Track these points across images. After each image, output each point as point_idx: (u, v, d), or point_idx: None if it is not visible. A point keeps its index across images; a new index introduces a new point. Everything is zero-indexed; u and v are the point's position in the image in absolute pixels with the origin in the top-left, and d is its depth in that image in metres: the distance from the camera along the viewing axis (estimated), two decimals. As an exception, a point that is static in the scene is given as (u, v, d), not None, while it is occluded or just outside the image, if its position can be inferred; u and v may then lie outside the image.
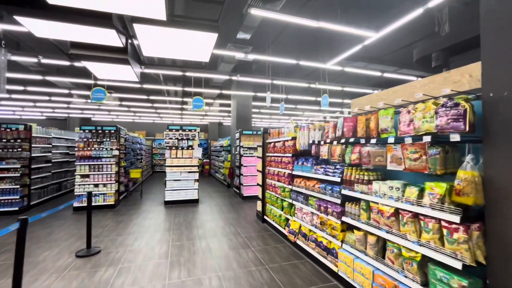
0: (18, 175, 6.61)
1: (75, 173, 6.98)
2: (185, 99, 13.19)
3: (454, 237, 1.90)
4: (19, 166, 6.63)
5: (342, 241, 3.21)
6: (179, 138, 8.03)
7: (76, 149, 7.18)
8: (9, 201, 6.46)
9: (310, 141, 4.02)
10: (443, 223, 1.99)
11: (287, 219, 4.83)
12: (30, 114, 18.11)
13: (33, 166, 7.03)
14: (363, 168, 2.97)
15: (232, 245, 4.53)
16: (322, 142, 3.71)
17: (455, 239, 1.89)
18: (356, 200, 3.06)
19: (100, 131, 7.47)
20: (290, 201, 4.59)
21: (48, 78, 8.91)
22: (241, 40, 6.87)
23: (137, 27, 3.29)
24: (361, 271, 2.78)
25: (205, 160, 18.19)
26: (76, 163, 7.03)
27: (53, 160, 8.37)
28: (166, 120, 21.02)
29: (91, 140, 7.30)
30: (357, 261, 2.87)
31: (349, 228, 3.19)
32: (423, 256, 2.18)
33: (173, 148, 7.91)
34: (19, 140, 6.76)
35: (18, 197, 6.51)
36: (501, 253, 1.71)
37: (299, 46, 8.59)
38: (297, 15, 4.64)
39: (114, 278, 3.35)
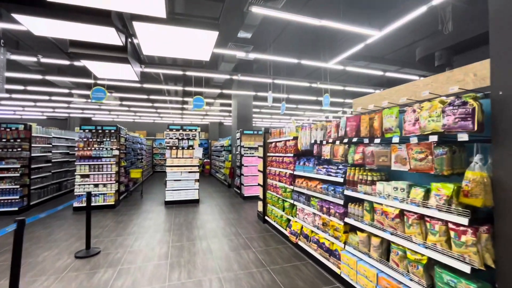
0: (18, 175, 6.58)
1: (75, 173, 6.94)
2: (185, 99, 13.14)
3: (462, 239, 1.84)
4: (19, 166, 6.59)
5: (345, 243, 3.16)
6: (180, 138, 7.98)
7: (76, 149, 7.14)
8: (9, 201, 6.43)
9: (312, 141, 3.97)
10: (450, 225, 1.94)
11: (289, 220, 4.78)
12: (30, 114, 18.10)
13: (33, 166, 7.00)
14: (366, 168, 2.91)
15: (233, 246, 4.48)
16: (324, 142, 3.65)
17: (463, 242, 1.84)
18: (359, 201, 3.01)
19: (100, 131, 7.43)
20: (292, 201, 4.54)
21: (48, 77, 8.87)
22: (242, 39, 6.81)
23: (136, 25, 3.25)
24: (364, 274, 2.73)
25: (205, 160, 18.15)
26: (76, 163, 6.99)
27: (53, 160, 8.33)
28: (166, 120, 20.98)
29: (91, 140, 7.26)
30: (360, 263, 2.82)
31: (352, 229, 3.14)
32: (429, 258, 2.13)
33: (174, 148, 7.87)
34: (19, 140, 6.72)
35: (17, 197, 6.47)
36: (510, 256, 1.65)
37: (301, 45, 8.53)
38: (298, 13, 4.59)
39: (113, 280, 3.31)
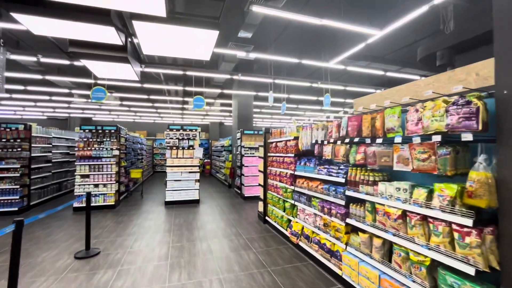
0: (18, 175, 6.56)
1: (75, 173, 6.92)
2: (186, 99, 13.12)
3: (466, 241, 1.81)
4: (18, 166, 6.57)
5: (346, 244, 3.13)
6: (180, 138, 7.96)
7: (76, 149, 7.12)
8: (9, 201, 6.41)
9: (313, 141, 3.94)
10: (454, 227, 1.91)
11: (289, 220, 4.75)
12: (31, 114, 18.10)
13: (33, 166, 6.98)
14: (368, 168, 2.88)
15: (233, 246, 4.45)
16: (325, 142, 3.63)
17: (467, 243, 1.81)
18: (361, 202, 2.98)
19: (100, 131, 7.42)
20: (292, 202, 4.51)
21: (48, 77, 8.86)
22: (242, 38, 6.79)
23: (136, 24, 3.22)
24: (366, 275, 2.70)
25: (206, 160, 18.13)
26: (76, 163, 6.97)
27: (53, 160, 8.32)
28: (167, 120, 20.97)
29: (91, 140, 7.24)
30: (362, 264, 2.79)
31: (354, 230, 3.11)
32: (432, 260, 2.10)
33: (174, 148, 7.84)
34: (18, 140, 6.71)
35: (17, 197, 6.46)
36: (516, 259, 1.62)
37: (301, 45, 8.51)
38: (299, 12, 4.56)
39: (113, 281, 3.29)
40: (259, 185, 6.40)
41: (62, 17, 3.07)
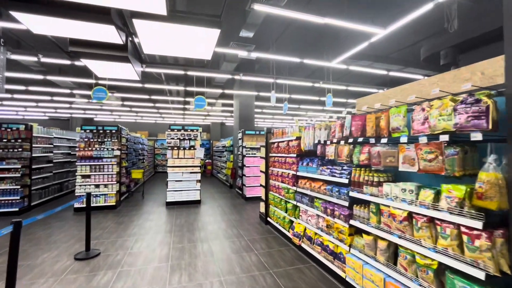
0: (19, 175, 6.54)
1: (76, 174, 6.90)
2: (187, 99, 13.10)
3: (476, 244, 1.75)
4: (19, 166, 6.55)
5: (350, 246, 3.07)
6: (181, 138, 7.92)
7: (77, 149, 7.10)
8: (9, 201, 6.39)
9: (316, 141, 3.89)
10: (463, 229, 1.85)
11: (291, 222, 4.70)
12: (32, 114, 18.15)
13: (34, 166, 6.96)
14: (372, 169, 2.82)
15: (234, 248, 4.40)
16: (328, 142, 3.57)
17: (476, 247, 1.75)
18: (365, 203, 2.92)
19: (101, 131, 7.39)
20: (295, 202, 4.45)
21: (50, 77, 8.85)
22: (244, 38, 6.75)
23: (136, 22, 3.18)
24: (371, 278, 2.64)
25: (207, 161, 18.09)
26: (77, 163, 6.94)
27: (54, 160, 8.30)
28: (168, 121, 20.98)
29: (92, 140, 7.22)
30: (366, 267, 2.73)
31: (358, 232, 3.05)
32: (440, 263, 2.04)
33: (175, 148, 7.81)
34: (19, 140, 6.69)
35: (18, 197, 6.44)
36: (529, 263, 1.56)
37: (303, 44, 8.46)
38: (301, 11, 4.51)
39: (112, 282, 3.24)
40: (261, 185, 6.34)
41: (61, 16, 3.03)
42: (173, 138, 7.84)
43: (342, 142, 3.26)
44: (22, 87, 10.00)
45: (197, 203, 7.88)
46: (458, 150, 1.93)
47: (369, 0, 6.00)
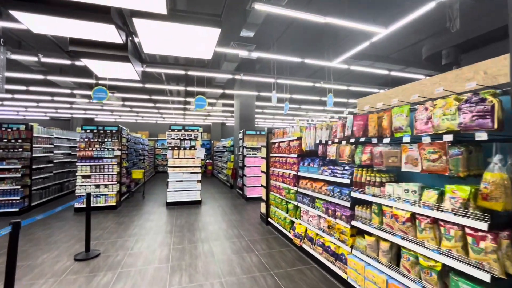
0: (19, 175, 6.53)
1: (76, 174, 6.88)
2: (187, 99, 13.09)
3: (481, 246, 1.72)
4: (19, 166, 6.54)
5: (352, 247, 3.04)
6: (182, 138, 7.90)
7: (77, 149, 7.08)
8: (10, 202, 6.38)
9: (317, 141, 3.86)
10: (468, 230, 1.82)
11: (292, 222, 4.67)
12: (33, 114, 18.17)
13: (34, 167, 6.95)
14: (374, 169, 2.79)
15: (235, 248, 4.37)
16: (329, 142, 3.54)
17: (481, 248, 1.72)
18: (367, 203, 2.89)
19: (101, 131, 7.38)
20: (296, 203, 4.42)
21: (50, 77, 8.85)
22: (245, 38, 6.73)
23: (136, 21, 3.16)
24: (373, 280, 2.61)
25: (208, 161, 18.07)
26: (77, 164, 6.93)
27: (55, 161, 8.29)
28: (169, 121, 20.97)
29: (92, 140, 7.20)
30: (368, 268, 2.70)
31: (359, 233, 3.02)
32: (444, 265, 2.01)
33: (175, 148, 7.79)
34: (20, 140, 6.68)
35: (18, 198, 6.42)
36: (536, 265, 1.53)
37: (304, 44, 8.43)
38: (302, 10, 4.48)
39: (112, 284, 3.22)
40: (261, 186, 6.31)
41: (61, 15, 3.01)
42: (173, 138, 7.82)
43: (343, 142, 3.24)
44: (23, 87, 9.99)
45: (197, 203, 7.86)
46: (462, 150, 1.90)
47: (370, 0, 5.97)
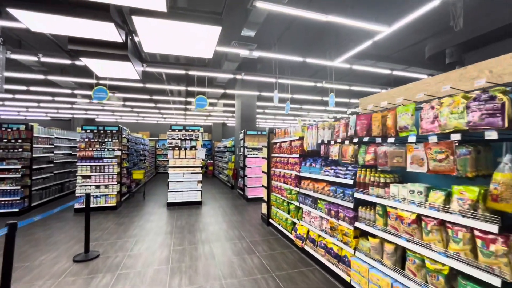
0: (19, 175, 6.49)
1: (77, 174, 6.85)
2: (188, 99, 13.05)
3: (491, 249, 1.65)
4: (19, 166, 6.51)
5: (355, 249, 2.98)
6: (182, 138, 7.85)
7: (77, 149, 7.05)
8: (9, 202, 6.34)
9: (319, 141, 3.80)
10: (477, 233, 1.75)
11: (294, 223, 4.60)
12: (34, 114, 18.18)
13: (34, 167, 6.91)
14: (378, 169, 2.73)
15: (236, 250, 4.32)
16: (332, 142, 3.48)
17: (492, 252, 1.65)
18: (371, 205, 2.83)
19: (102, 131, 7.34)
20: (297, 204, 4.36)
21: (50, 77, 8.82)
22: (246, 37, 6.68)
23: (136, 19, 3.11)
24: (377, 283, 2.54)
25: (208, 161, 18.03)
26: (77, 164, 6.89)
27: (55, 161, 8.26)
28: (169, 121, 20.94)
29: (92, 140, 7.16)
30: (372, 271, 2.63)
31: (363, 234, 2.96)
32: (451, 269, 1.94)
33: (176, 148, 7.74)
34: (20, 140, 6.65)
35: (18, 198, 6.39)
36: (549, 270, 1.46)
37: (306, 43, 8.37)
38: (304, 9, 4.42)
39: (111, 286, 3.16)
40: (263, 186, 6.25)
41: (59, 13, 2.97)
42: (174, 139, 7.77)
43: (346, 142, 3.17)
44: (23, 87, 9.98)
45: (198, 204, 7.80)
46: (470, 149, 1.84)
47: (373, -2, 5.91)
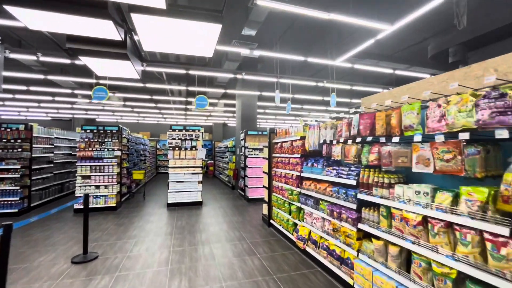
0: (18, 176, 6.45)
1: (76, 174, 6.80)
2: (189, 99, 13.00)
3: (502, 252, 1.59)
4: (19, 166, 6.47)
5: (358, 251, 2.91)
6: (183, 138, 7.80)
7: (77, 149, 7.00)
8: (8, 202, 6.30)
9: (321, 141, 3.73)
10: (486, 236, 1.69)
11: (295, 224, 4.54)
12: (34, 115, 18.17)
13: (34, 167, 6.87)
14: (382, 170, 2.66)
15: (236, 251, 4.25)
16: (334, 142, 3.42)
17: (503, 256, 1.59)
18: (375, 206, 2.76)
19: (101, 131, 7.29)
20: (299, 204, 4.30)
21: (50, 77, 8.79)
22: (246, 36, 6.63)
23: (135, 17, 3.05)
24: (381, 286, 2.48)
25: (209, 161, 17.98)
26: (77, 164, 6.84)
27: (55, 161, 8.22)
28: (170, 121, 20.91)
29: (92, 140, 7.12)
30: (376, 274, 2.57)
31: (366, 236, 2.89)
32: (459, 272, 1.88)
33: (176, 148, 7.69)
34: (19, 140, 6.60)
35: (17, 198, 6.34)
36: None
37: (307, 42, 8.31)
38: (306, 7, 4.36)
39: (109, 288, 3.11)
40: (264, 187, 6.19)
41: (57, 10, 2.91)
42: (174, 139, 7.72)
43: (349, 142, 3.11)
44: (24, 87, 9.95)
45: (198, 204, 7.75)
46: (479, 149, 1.78)
47: (375, -3, 5.85)
